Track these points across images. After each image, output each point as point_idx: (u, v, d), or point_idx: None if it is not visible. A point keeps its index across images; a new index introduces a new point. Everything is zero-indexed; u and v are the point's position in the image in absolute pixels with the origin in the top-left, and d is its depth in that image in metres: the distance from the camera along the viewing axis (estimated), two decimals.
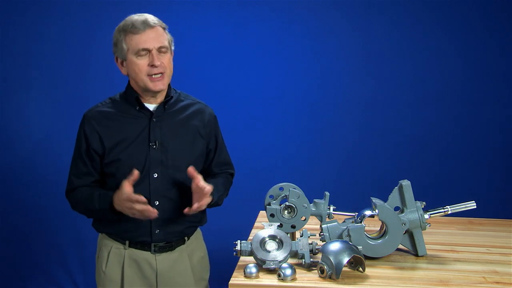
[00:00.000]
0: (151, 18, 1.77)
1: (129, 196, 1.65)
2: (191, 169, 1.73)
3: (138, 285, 1.84)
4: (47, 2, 3.28)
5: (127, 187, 1.66)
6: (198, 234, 1.99)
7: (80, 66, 3.32)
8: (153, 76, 1.75)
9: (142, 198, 1.66)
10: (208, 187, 1.72)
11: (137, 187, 1.74)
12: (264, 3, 3.30)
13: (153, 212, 1.68)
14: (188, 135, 1.87)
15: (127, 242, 1.84)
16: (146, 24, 1.74)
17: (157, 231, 1.81)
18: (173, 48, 1.86)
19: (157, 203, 1.80)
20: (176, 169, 1.82)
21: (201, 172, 1.93)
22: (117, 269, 1.84)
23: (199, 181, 1.72)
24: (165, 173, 1.80)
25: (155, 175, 1.79)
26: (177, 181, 1.81)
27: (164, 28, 1.81)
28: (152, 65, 1.74)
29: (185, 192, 1.80)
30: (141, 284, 1.85)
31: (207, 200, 1.75)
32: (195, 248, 1.95)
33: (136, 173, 1.67)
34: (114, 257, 1.85)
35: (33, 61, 3.32)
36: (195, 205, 1.72)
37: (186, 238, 1.91)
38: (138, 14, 1.78)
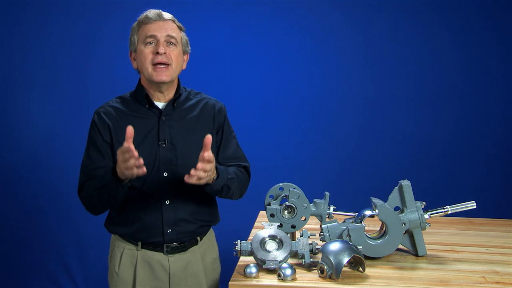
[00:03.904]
0: (165, 13, 1.80)
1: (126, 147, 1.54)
2: (208, 138, 1.61)
3: (151, 286, 1.83)
4: (47, 1, 3.29)
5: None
6: (210, 235, 1.98)
7: (82, 64, 3.33)
8: (157, 66, 1.75)
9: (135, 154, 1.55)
10: (210, 154, 1.62)
11: (148, 186, 1.74)
12: (264, 3, 3.31)
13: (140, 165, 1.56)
14: (198, 133, 1.84)
15: (139, 243, 1.83)
16: (158, 16, 1.77)
17: (169, 230, 1.80)
18: (188, 49, 1.87)
19: (168, 202, 1.80)
20: (186, 168, 1.76)
21: None
22: (130, 270, 1.83)
23: (207, 151, 1.61)
24: (176, 172, 1.78)
25: (165, 174, 1.78)
26: None
27: (179, 27, 1.83)
28: (157, 53, 1.74)
29: (197, 191, 1.79)
30: (154, 285, 1.84)
31: (209, 166, 1.62)
32: (207, 248, 1.94)
33: (130, 128, 1.54)
34: (127, 258, 1.84)
35: (34, 59, 3.32)
36: (193, 171, 1.60)
37: (198, 238, 1.89)
38: (156, 9, 1.80)
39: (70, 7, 3.29)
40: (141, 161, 1.56)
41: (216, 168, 1.74)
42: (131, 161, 1.55)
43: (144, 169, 1.58)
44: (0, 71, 3.32)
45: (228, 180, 1.80)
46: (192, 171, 1.60)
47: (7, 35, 3.30)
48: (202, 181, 1.65)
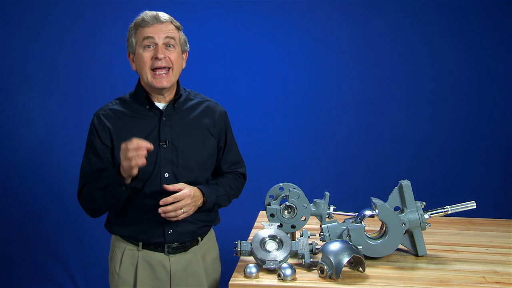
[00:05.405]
0: (162, 14, 1.78)
1: (137, 142, 1.58)
2: (168, 187, 1.71)
3: (151, 286, 1.83)
4: (47, 1, 3.29)
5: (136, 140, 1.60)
6: (211, 235, 1.98)
7: (82, 64, 3.33)
8: (157, 72, 1.74)
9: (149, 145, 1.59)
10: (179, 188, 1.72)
11: (149, 187, 1.75)
12: (264, 3, 3.31)
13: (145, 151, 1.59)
14: (198, 134, 1.85)
15: (140, 244, 1.83)
16: (155, 19, 1.75)
17: (170, 231, 1.80)
18: (187, 48, 1.86)
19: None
20: (186, 169, 1.80)
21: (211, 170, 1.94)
22: (131, 270, 1.83)
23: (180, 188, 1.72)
24: (176, 172, 1.79)
25: (166, 175, 1.78)
26: (188, 180, 1.79)
27: (177, 27, 1.81)
28: (156, 58, 1.73)
29: None
30: (154, 285, 1.84)
31: (180, 204, 1.71)
32: (208, 248, 1.94)
33: (149, 145, 1.60)
34: (128, 258, 1.84)
35: (34, 59, 3.32)
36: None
37: (199, 238, 1.90)
38: (152, 11, 1.78)
39: (70, 7, 3.28)
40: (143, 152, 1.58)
41: (203, 193, 1.79)
42: (131, 153, 1.57)
43: (144, 160, 1.59)
44: (0, 71, 3.32)
45: (218, 198, 1.86)
46: (160, 210, 1.69)
47: (7, 35, 3.29)
48: (185, 215, 1.73)
